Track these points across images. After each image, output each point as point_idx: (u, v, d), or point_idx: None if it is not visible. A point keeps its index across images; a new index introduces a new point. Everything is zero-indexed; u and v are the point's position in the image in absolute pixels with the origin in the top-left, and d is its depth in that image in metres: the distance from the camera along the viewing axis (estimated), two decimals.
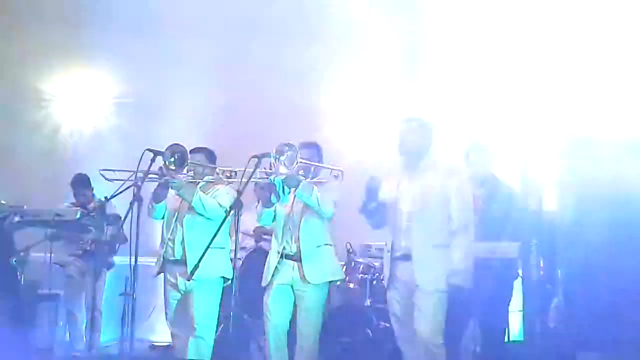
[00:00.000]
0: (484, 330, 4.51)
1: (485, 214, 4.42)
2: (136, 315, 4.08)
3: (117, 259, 5.74)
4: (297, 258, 4.12)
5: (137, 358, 5.77)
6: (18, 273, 4.13)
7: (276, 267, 4.17)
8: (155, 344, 6.42)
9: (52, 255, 4.62)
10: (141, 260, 4.09)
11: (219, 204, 4.25)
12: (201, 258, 3.61)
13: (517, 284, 4.43)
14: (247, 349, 5.61)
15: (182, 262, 4.24)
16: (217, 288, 4.32)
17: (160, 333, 6.52)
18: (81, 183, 5.87)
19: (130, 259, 3.94)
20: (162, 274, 4.46)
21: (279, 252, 4.17)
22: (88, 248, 5.75)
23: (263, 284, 4.24)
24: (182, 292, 4.33)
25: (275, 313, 4.17)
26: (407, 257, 3.71)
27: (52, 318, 6.05)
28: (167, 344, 6.38)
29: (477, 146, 4.57)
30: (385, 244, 3.89)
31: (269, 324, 4.18)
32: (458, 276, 3.59)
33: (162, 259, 4.39)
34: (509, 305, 4.54)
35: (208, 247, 3.65)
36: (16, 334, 4.03)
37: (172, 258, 4.33)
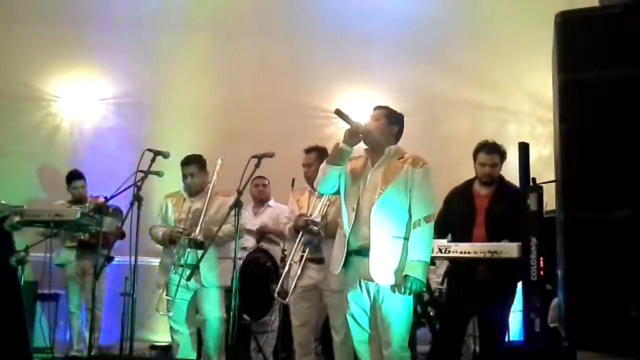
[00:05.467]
0: (485, 331, 4.50)
1: (492, 214, 4.43)
2: (136, 315, 4.08)
3: (116, 259, 5.73)
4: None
5: (137, 358, 5.79)
6: (18, 273, 4.11)
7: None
8: (155, 344, 6.41)
9: (51, 255, 4.61)
10: (141, 260, 4.09)
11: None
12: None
13: (518, 284, 4.42)
14: (247, 348, 5.60)
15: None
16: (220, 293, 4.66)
17: (160, 333, 6.52)
18: (74, 176, 6.05)
19: (130, 258, 3.95)
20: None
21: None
22: (82, 238, 5.74)
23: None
24: (193, 292, 4.59)
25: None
26: (364, 249, 3.46)
27: (52, 318, 6.05)
28: (167, 343, 6.39)
29: (487, 145, 4.52)
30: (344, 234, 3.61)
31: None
32: (413, 270, 3.35)
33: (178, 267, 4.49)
34: (510, 306, 4.53)
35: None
36: (16, 334, 4.03)
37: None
